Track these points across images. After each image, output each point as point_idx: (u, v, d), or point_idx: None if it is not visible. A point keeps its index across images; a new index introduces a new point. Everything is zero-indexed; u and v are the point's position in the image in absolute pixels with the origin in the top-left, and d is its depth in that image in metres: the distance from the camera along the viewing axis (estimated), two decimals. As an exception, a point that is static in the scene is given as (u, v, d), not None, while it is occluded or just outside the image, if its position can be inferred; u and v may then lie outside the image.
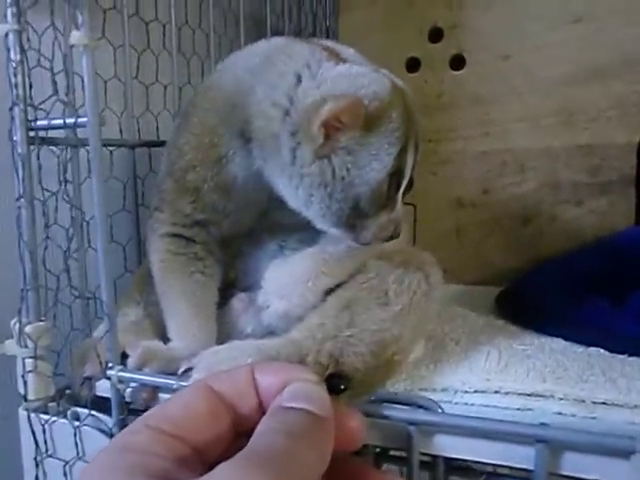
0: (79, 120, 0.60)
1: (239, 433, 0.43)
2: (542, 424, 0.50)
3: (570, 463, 0.50)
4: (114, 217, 0.87)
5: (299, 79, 0.63)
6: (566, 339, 0.82)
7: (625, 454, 0.47)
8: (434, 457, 0.57)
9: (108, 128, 0.85)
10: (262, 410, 0.43)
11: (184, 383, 0.60)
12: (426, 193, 1.23)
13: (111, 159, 0.87)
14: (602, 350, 0.77)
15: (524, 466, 0.52)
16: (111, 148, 0.87)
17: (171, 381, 0.62)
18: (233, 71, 0.72)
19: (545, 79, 1.14)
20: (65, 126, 0.61)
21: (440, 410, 0.56)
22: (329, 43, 0.68)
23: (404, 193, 0.66)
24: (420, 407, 0.57)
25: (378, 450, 0.63)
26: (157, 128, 0.96)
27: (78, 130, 0.66)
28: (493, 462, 0.53)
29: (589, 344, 0.79)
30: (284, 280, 0.69)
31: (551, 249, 1.13)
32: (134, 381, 0.65)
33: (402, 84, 0.67)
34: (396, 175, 0.63)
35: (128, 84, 0.90)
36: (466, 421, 0.52)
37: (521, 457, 0.51)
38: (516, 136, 1.18)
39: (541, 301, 0.90)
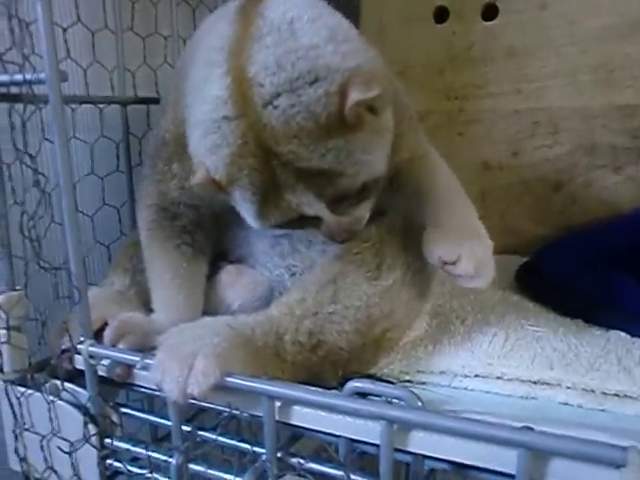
0: (38, 76, 0.55)
1: None
2: (525, 427, 0.44)
3: (555, 470, 0.44)
4: (107, 179, 0.84)
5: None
6: (586, 320, 0.75)
7: (615, 465, 0.40)
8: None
9: (99, 84, 0.81)
10: None
11: (149, 361, 0.56)
12: (451, 154, 1.11)
13: (101, 117, 0.82)
14: (623, 334, 0.71)
15: (506, 470, 0.46)
16: (101, 105, 0.82)
17: (136, 358, 0.58)
18: (190, 48, 0.65)
19: (585, 31, 1.03)
20: (24, 82, 0.56)
21: (420, 403, 0.51)
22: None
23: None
24: (398, 399, 0.51)
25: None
26: (156, 83, 0.91)
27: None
28: (473, 464, 0.48)
29: (610, 327, 0.72)
30: None
31: (584, 218, 1.04)
32: (103, 357, 0.62)
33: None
34: None
35: (119, 36, 0.84)
36: (442, 420, 0.46)
37: (503, 460, 0.46)
38: (551, 94, 1.07)
39: (560, 277, 0.83)
